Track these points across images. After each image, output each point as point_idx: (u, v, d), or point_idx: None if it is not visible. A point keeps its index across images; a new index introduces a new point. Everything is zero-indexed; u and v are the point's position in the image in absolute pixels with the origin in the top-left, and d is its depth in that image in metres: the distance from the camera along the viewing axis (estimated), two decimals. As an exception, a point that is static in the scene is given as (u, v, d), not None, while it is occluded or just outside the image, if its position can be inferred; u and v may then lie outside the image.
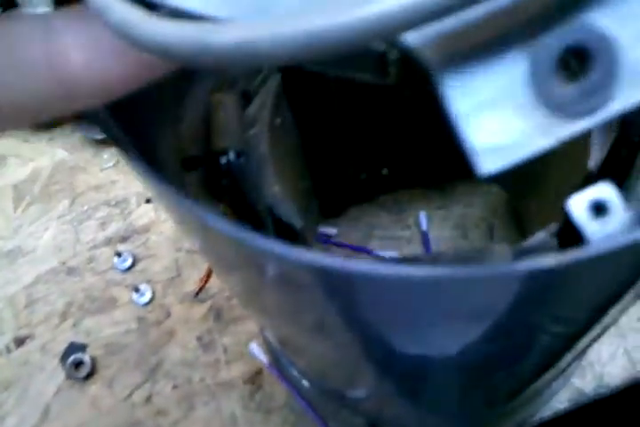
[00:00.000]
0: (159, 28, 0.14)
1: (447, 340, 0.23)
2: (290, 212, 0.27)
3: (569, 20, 0.12)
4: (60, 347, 0.53)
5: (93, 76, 0.18)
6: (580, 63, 0.13)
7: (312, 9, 0.14)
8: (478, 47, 0.13)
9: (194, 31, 0.13)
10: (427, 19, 0.12)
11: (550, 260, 0.14)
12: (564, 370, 0.40)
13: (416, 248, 0.53)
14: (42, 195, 0.61)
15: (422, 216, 0.53)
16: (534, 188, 0.44)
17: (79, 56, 0.17)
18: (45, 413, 0.51)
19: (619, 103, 0.13)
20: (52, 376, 0.52)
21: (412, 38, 0.14)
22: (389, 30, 0.12)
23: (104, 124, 0.19)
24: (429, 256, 0.31)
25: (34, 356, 0.53)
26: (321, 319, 0.22)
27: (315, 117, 0.36)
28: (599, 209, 0.17)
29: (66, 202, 0.60)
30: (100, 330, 0.54)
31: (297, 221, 0.27)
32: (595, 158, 0.27)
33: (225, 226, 0.14)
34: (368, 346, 0.24)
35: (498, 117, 0.13)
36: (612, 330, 0.48)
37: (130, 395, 0.51)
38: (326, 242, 0.53)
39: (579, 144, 0.30)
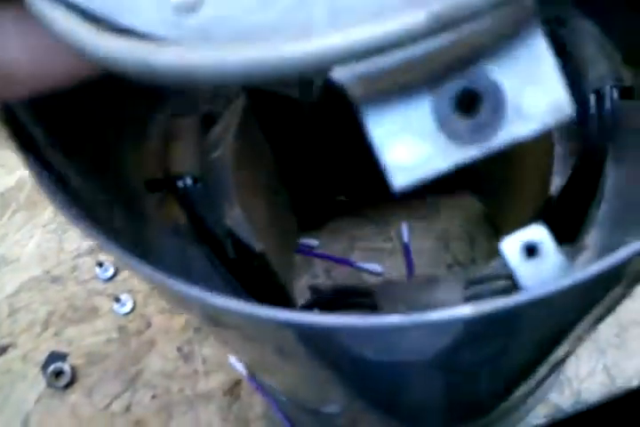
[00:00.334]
0: (103, 43, 0.14)
1: (402, 377, 0.23)
2: (249, 234, 0.27)
3: (465, 68, 0.15)
4: (42, 356, 0.53)
5: (32, 64, 0.17)
6: (474, 102, 0.16)
7: (250, 39, 0.15)
8: (394, 85, 0.15)
9: (137, 49, 0.14)
10: (357, 57, 0.14)
11: (466, 310, 0.14)
12: (538, 386, 0.40)
13: (398, 260, 0.53)
14: (27, 203, 0.61)
15: (404, 228, 0.53)
16: (511, 201, 0.44)
17: (19, 43, 0.17)
18: (25, 421, 0.51)
19: (505, 135, 0.16)
20: (34, 385, 0.53)
21: (339, 73, 0.15)
22: (323, 66, 0.14)
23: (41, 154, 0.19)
24: (381, 287, 0.31)
25: (16, 364, 0.54)
26: (286, 356, 0.22)
27: (286, 138, 0.36)
28: (531, 251, 0.17)
29: (50, 210, 0.61)
30: (81, 339, 0.54)
31: (256, 244, 0.27)
32: (555, 184, 0.27)
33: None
34: (333, 377, 0.25)
35: (407, 142, 0.16)
36: (591, 345, 0.48)
37: (109, 404, 0.51)
38: (308, 254, 0.53)
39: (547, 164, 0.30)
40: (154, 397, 0.51)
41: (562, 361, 0.33)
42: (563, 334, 0.21)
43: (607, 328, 0.49)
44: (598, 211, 0.25)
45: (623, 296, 0.23)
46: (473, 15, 0.13)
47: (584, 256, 0.27)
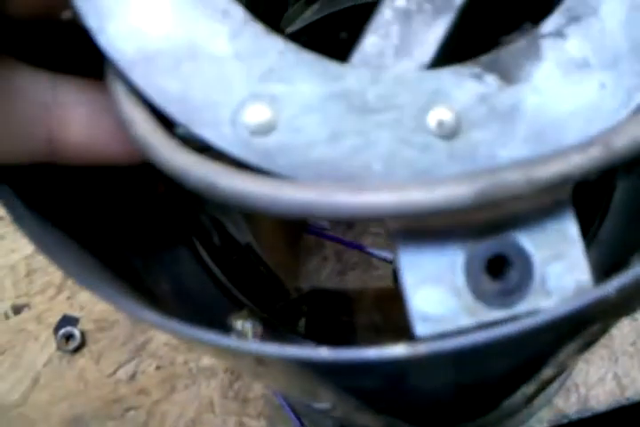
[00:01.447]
0: (177, 159, 0.15)
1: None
2: (237, 226, 0.26)
3: (499, 232, 0.16)
4: (55, 318, 0.54)
5: (86, 148, 0.18)
6: (504, 266, 0.16)
7: (309, 170, 0.16)
8: (432, 233, 0.16)
9: (206, 171, 0.15)
10: (402, 216, 0.15)
11: (400, 349, 0.13)
12: (537, 394, 0.39)
13: None
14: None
15: None
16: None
17: (79, 130, 0.17)
18: (35, 381, 0.53)
19: (529, 304, 0.16)
20: (45, 347, 0.54)
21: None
22: (371, 218, 0.15)
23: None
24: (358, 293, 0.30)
25: (30, 324, 0.55)
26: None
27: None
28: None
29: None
30: (93, 304, 0.55)
31: (241, 237, 0.26)
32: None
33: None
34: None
35: (436, 293, 0.16)
36: (604, 352, 0.46)
37: (115, 371, 0.52)
38: (319, 235, 0.52)
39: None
40: (158, 367, 0.51)
41: (553, 378, 0.32)
42: (536, 365, 0.20)
43: (623, 335, 0.47)
44: (600, 227, 0.23)
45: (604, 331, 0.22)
46: (515, 197, 0.15)
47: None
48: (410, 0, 0.18)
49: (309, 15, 0.29)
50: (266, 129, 0.16)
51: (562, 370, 0.28)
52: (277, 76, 0.16)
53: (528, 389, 0.27)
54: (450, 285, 0.16)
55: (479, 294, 0.16)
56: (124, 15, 0.16)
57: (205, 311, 0.26)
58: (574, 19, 0.17)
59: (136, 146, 0.16)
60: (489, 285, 0.16)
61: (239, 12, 0.17)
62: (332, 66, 0.17)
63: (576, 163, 0.15)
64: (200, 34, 0.17)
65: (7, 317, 0.55)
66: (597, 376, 0.46)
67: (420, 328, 0.16)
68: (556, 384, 0.44)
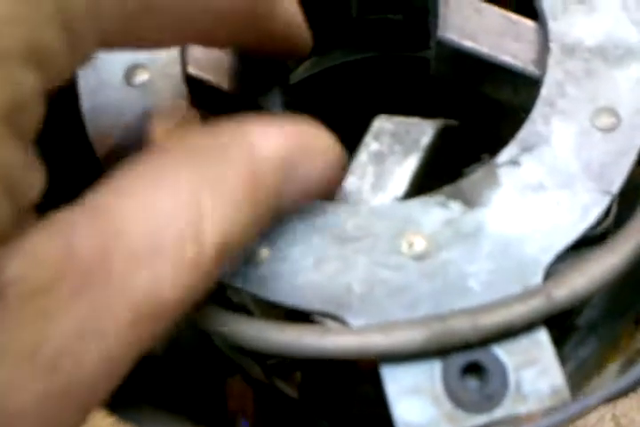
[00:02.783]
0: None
1: None
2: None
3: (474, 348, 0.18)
4: None
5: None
6: (480, 374, 0.18)
7: (297, 293, 0.19)
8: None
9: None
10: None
11: None
12: None
13: None
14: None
15: None
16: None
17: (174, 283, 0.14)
18: None
19: (504, 410, 0.17)
20: None
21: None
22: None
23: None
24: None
25: None
26: None
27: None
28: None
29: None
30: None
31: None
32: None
33: None
34: None
35: (417, 403, 0.17)
36: None
37: None
38: None
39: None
40: None
41: None
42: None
43: None
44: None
45: None
46: (462, 342, 0.17)
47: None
48: (382, 143, 0.21)
49: (301, 72, 0.31)
50: (260, 261, 0.19)
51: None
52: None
53: None
54: (429, 394, 0.17)
55: (457, 402, 0.17)
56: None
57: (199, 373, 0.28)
58: (527, 148, 0.20)
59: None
60: (466, 392, 0.17)
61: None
62: (315, 203, 0.20)
63: (519, 312, 0.17)
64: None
65: None
66: (596, 418, 0.42)
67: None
68: None
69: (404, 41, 0.30)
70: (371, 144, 0.21)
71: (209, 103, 0.22)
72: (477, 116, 0.27)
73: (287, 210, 0.18)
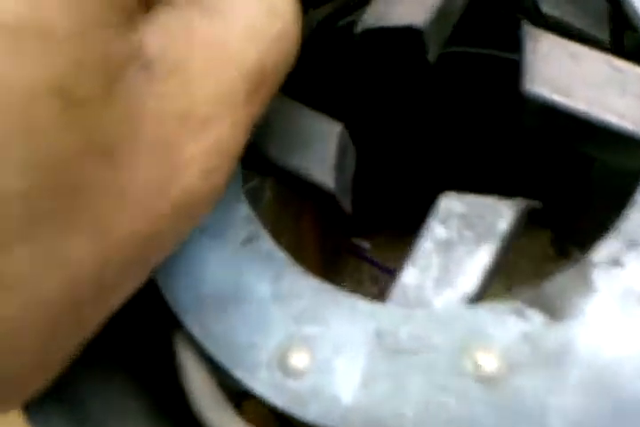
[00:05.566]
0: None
1: None
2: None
3: None
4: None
5: None
6: None
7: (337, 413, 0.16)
8: None
9: None
10: None
11: None
12: None
13: None
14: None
15: None
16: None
17: None
18: None
19: None
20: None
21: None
22: None
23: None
24: None
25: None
26: None
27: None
28: None
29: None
30: None
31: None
32: None
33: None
34: None
35: None
36: None
37: None
38: (358, 255, 0.48)
39: None
40: None
41: None
42: None
43: None
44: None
45: None
46: None
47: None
48: (450, 229, 0.17)
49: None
50: (299, 372, 0.16)
51: None
52: (312, 316, 0.17)
53: None
54: None
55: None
56: (185, 271, 0.18)
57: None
58: (633, 244, 0.16)
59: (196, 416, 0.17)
60: None
61: (281, 256, 0.18)
62: (364, 305, 0.17)
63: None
64: (245, 277, 0.18)
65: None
66: None
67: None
68: None
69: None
70: (436, 229, 0.17)
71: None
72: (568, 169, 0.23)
73: None
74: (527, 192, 0.20)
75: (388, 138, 0.37)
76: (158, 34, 0.13)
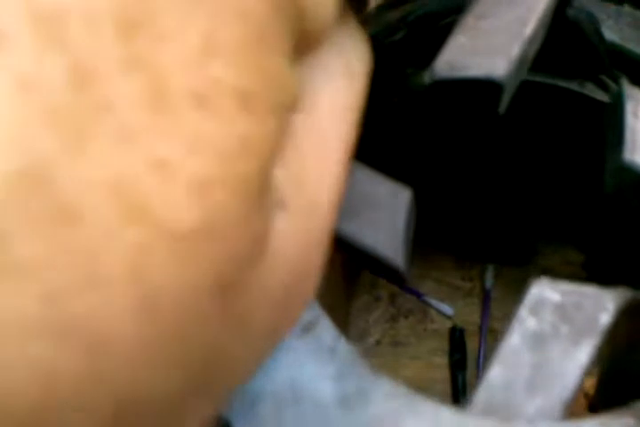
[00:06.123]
0: None
1: None
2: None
3: None
4: None
5: None
6: None
7: None
8: None
9: None
10: None
11: None
12: None
13: (473, 304, 0.43)
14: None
15: (489, 272, 0.43)
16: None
17: None
18: None
19: None
20: None
21: None
22: None
23: None
24: None
25: None
26: None
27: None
28: None
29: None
30: None
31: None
32: None
33: None
34: None
35: None
36: None
37: None
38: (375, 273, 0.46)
39: None
40: None
41: None
42: None
43: None
44: None
45: None
46: None
47: None
48: (543, 321, 0.15)
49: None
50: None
51: None
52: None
53: None
54: None
55: None
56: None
57: None
58: None
59: None
60: None
61: (345, 349, 0.16)
62: (447, 413, 0.15)
63: None
64: (305, 375, 0.16)
65: None
66: None
67: None
68: None
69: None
70: (527, 321, 0.15)
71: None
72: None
73: None
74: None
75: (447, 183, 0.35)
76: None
